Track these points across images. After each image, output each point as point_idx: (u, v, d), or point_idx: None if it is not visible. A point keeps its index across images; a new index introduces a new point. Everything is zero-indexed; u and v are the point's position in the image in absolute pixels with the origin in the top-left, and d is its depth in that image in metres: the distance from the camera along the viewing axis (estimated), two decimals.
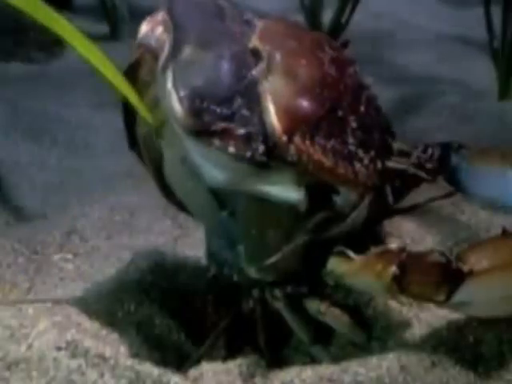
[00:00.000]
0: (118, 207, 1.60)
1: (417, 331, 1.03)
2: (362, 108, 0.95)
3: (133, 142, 1.05)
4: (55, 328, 0.96)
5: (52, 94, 2.25)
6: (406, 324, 1.06)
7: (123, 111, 1.03)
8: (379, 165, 0.93)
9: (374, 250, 0.90)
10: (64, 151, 1.96)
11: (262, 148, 0.88)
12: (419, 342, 0.99)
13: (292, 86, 0.90)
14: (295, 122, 0.89)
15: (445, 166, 0.98)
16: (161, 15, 0.96)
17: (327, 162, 0.89)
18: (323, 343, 1.05)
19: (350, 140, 0.92)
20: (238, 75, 0.90)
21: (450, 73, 2.53)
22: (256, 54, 0.92)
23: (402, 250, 0.89)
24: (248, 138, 0.88)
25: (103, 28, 2.71)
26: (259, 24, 0.96)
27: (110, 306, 1.10)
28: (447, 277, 0.87)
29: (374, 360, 0.93)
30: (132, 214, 1.57)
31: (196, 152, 0.91)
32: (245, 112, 0.89)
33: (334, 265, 0.93)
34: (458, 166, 0.99)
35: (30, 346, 0.92)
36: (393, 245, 0.92)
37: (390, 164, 0.95)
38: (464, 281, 0.87)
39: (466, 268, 0.87)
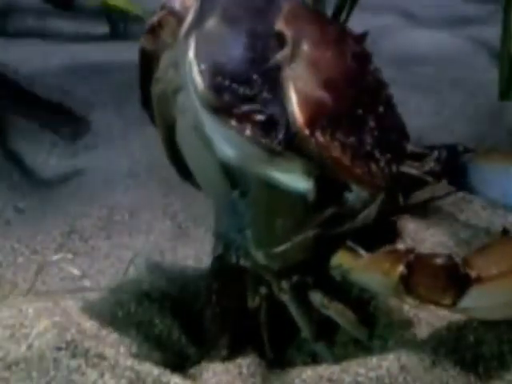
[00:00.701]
0: (118, 207, 1.59)
1: (417, 331, 1.03)
2: (381, 108, 0.93)
3: (145, 101, 1.02)
4: (55, 328, 0.96)
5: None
6: (406, 323, 1.05)
7: (140, 68, 1.00)
8: (394, 168, 0.92)
9: (382, 248, 0.90)
10: (64, 151, 1.96)
11: (280, 137, 0.86)
12: (419, 342, 0.99)
13: (315, 77, 0.88)
14: (317, 115, 0.86)
15: (451, 167, 0.98)
16: None
17: (345, 160, 0.88)
18: (326, 341, 1.05)
19: (368, 140, 0.90)
20: (262, 56, 0.88)
21: (450, 71, 2.53)
22: (280, 38, 0.90)
23: (411, 250, 0.89)
24: (267, 124, 0.86)
25: (103, 28, 2.71)
26: (284, 6, 0.93)
27: (110, 306, 1.10)
28: (454, 281, 0.87)
29: (374, 360, 0.93)
30: (132, 214, 1.57)
31: (211, 126, 0.88)
32: (266, 95, 0.87)
33: (342, 259, 0.92)
34: (464, 168, 0.99)
35: (29, 346, 0.92)
36: (401, 245, 0.92)
37: (404, 168, 0.94)
38: (471, 286, 0.86)
39: (473, 273, 0.86)
